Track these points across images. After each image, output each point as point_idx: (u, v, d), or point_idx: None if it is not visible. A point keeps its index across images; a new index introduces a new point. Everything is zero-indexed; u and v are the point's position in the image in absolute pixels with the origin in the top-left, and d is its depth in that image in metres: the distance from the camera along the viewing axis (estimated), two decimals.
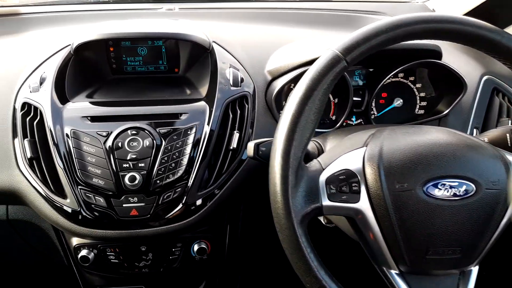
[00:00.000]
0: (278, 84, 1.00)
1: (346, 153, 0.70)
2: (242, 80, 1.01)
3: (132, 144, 0.89)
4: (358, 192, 0.67)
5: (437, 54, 1.03)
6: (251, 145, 0.78)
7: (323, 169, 0.69)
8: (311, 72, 0.67)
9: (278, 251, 0.68)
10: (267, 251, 1.30)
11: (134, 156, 0.88)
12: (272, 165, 0.66)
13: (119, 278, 1.03)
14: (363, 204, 0.67)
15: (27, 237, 1.09)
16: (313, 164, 0.70)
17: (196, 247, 1.00)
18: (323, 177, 0.68)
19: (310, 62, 0.93)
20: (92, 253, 0.97)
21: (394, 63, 1.03)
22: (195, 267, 1.04)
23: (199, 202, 0.91)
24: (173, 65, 1.12)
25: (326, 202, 0.66)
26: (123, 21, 1.17)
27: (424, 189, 0.65)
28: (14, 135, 0.93)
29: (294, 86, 1.01)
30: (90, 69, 1.06)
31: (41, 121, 0.91)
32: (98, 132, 0.89)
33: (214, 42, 1.09)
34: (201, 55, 1.07)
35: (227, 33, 1.21)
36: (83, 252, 0.96)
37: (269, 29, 1.34)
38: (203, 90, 1.02)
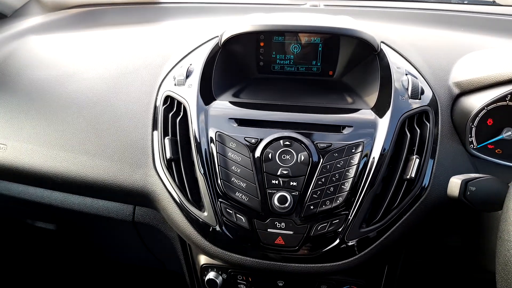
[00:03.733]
0: (478, 101, 0.80)
1: None
2: (422, 91, 0.83)
3: (284, 157, 0.76)
4: None
5: None
6: (456, 182, 0.60)
7: None
8: None
9: None
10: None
11: (285, 172, 0.75)
12: None
13: None
14: None
15: (149, 243, 1.03)
16: None
17: None
18: None
19: None
20: (221, 277, 0.86)
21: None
22: None
23: (360, 241, 0.74)
24: (328, 67, 0.98)
25: None
26: (276, 14, 1.06)
27: None
28: (154, 131, 0.86)
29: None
30: (236, 65, 0.97)
31: (185, 119, 0.83)
32: (246, 138, 0.78)
33: (383, 42, 0.92)
34: (365, 58, 0.91)
35: (393, 34, 1.04)
36: (211, 275, 0.85)
37: (441, 33, 1.14)
38: (370, 99, 0.86)
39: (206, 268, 0.87)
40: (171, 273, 1.34)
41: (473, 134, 0.84)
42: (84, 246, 1.29)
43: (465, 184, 0.59)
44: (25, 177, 0.92)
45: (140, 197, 0.85)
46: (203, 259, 0.88)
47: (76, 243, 1.27)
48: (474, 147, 0.85)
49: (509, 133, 0.84)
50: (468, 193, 0.59)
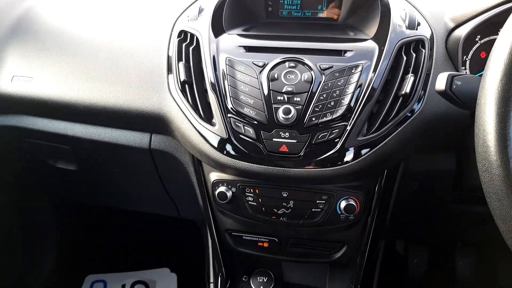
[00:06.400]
0: (468, 27, 0.87)
1: None
2: (419, 23, 0.91)
3: (288, 76, 0.85)
4: None
5: None
6: (443, 76, 0.67)
7: None
8: None
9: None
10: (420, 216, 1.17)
11: (290, 89, 0.84)
12: (487, 85, 0.55)
13: (253, 224, 0.98)
14: None
15: (164, 176, 1.12)
16: None
17: (343, 204, 0.90)
18: None
19: None
20: (230, 191, 0.93)
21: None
22: (338, 227, 0.95)
23: (357, 148, 0.82)
24: (333, 11, 1.06)
25: None
26: None
27: None
28: (169, 60, 0.95)
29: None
30: (246, 9, 1.06)
31: (197, 48, 0.92)
32: (254, 62, 0.87)
33: None
34: (367, 0, 1.00)
35: None
36: (221, 189, 0.93)
37: None
38: (370, 32, 0.94)
39: (217, 183, 0.95)
40: (185, 223, 1.44)
41: (467, 66, 0.92)
42: (102, 191, 1.38)
43: (451, 78, 0.66)
44: (50, 106, 1.01)
45: (156, 120, 0.94)
46: (214, 176, 0.96)
47: (95, 188, 1.36)
48: None
49: None
50: (454, 86, 0.66)
